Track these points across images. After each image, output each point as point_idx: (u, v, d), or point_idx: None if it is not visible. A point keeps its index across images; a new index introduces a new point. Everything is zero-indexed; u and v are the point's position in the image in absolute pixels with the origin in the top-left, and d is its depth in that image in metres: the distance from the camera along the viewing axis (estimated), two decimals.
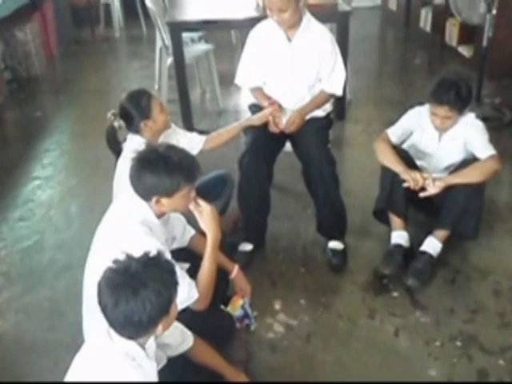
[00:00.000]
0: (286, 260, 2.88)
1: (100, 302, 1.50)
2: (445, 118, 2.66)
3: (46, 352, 2.37)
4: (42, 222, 3.31)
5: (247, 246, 2.90)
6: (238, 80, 3.04)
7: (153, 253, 1.59)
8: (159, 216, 2.06)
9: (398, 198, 2.75)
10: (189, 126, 4.30)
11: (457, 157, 2.80)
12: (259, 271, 2.79)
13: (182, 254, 2.37)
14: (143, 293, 1.46)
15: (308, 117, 2.91)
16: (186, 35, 4.91)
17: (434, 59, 5.86)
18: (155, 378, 1.62)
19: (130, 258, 1.54)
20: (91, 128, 4.36)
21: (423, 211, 3.01)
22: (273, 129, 2.82)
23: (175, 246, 2.36)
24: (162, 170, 1.94)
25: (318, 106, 2.95)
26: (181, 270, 2.06)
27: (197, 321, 2.06)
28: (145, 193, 1.98)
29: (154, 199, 1.98)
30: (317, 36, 2.80)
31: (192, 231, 2.40)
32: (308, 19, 2.78)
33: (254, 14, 4.04)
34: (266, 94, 2.96)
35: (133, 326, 1.50)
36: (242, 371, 2.12)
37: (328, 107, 3.05)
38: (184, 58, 4.12)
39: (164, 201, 1.99)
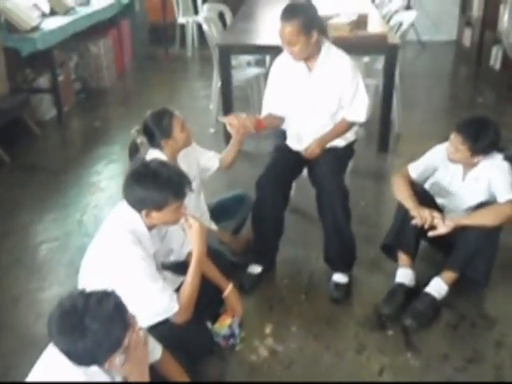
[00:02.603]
0: (289, 285, 2.88)
1: (49, 333, 1.55)
2: (455, 149, 2.61)
3: (43, 345, 2.48)
4: (72, 225, 3.50)
5: (256, 269, 2.92)
6: (263, 112, 3.03)
7: (108, 291, 1.58)
8: (150, 228, 2.14)
9: (407, 235, 2.70)
10: None
11: (480, 198, 2.71)
12: (259, 293, 2.81)
13: (179, 267, 2.45)
14: (81, 343, 1.48)
15: (328, 145, 2.92)
16: (242, 58, 5.07)
17: (500, 99, 5.68)
18: None
19: (79, 298, 1.53)
20: None
21: (437, 249, 2.93)
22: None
23: (173, 258, 2.44)
24: (150, 185, 2.03)
25: (339, 135, 2.95)
26: (163, 282, 2.12)
27: (174, 333, 2.12)
28: (135, 205, 2.08)
29: (144, 212, 2.07)
30: (337, 64, 2.81)
31: (190, 246, 2.47)
32: (327, 48, 2.79)
33: None
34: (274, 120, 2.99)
35: (77, 363, 1.54)
36: None
37: (350, 136, 3.03)
38: (231, 80, 4.24)
39: (154, 214, 2.08)
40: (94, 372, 1.60)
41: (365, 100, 2.89)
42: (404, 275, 2.70)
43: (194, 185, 2.69)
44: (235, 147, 2.89)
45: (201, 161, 2.85)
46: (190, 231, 2.18)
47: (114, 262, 2.04)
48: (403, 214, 2.68)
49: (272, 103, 2.99)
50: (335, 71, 2.81)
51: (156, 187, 2.03)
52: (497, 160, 2.66)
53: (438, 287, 2.63)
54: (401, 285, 2.68)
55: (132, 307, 1.64)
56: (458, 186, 2.77)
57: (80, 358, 1.53)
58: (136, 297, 1.96)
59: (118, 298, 1.59)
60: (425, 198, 2.74)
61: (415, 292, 2.68)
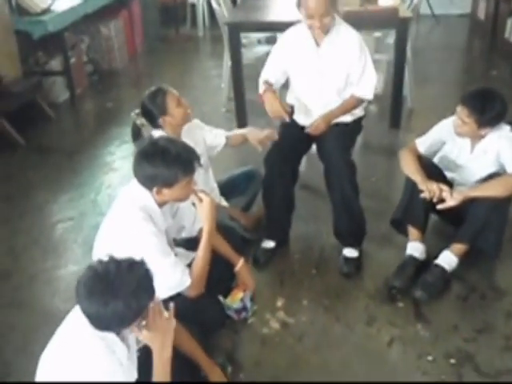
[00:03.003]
0: (300, 260, 2.91)
1: (76, 297, 1.60)
2: (462, 122, 2.60)
3: (59, 320, 2.55)
4: (86, 205, 3.56)
5: (269, 244, 2.95)
6: (263, 75, 3.02)
7: (136, 259, 1.65)
8: (161, 205, 2.17)
9: (416, 209, 2.71)
10: (242, 123, 4.42)
11: (489, 170, 2.70)
12: (271, 268, 2.85)
13: (190, 243, 2.49)
14: (112, 304, 1.54)
15: (335, 121, 2.92)
16: (253, 36, 5.06)
17: None
18: (126, 362, 1.69)
19: (110, 263, 1.60)
20: None
21: (447, 222, 2.94)
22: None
23: (184, 235, 2.47)
24: (159, 163, 2.05)
25: (347, 111, 2.94)
26: (175, 257, 2.17)
27: (187, 307, 2.15)
28: (145, 183, 2.11)
29: (154, 189, 2.10)
30: (345, 40, 2.80)
31: (201, 222, 2.51)
32: (339, 23, 2.79)
33: None
34: (273, 93, 2.91)
35: (102, 327, 1.60)
36: (224, 361, 2.22)
37: (358, 112, 3.03)
38: (241, 59, 4.24)
39: (165, 191, 2.10)
40: (113, 340, 1.66)
41: (373, 77, 2.89)
42: (414, 248, 2.71)
43: (202, 161, 2.73)
44: (244, 139, 2.94)
45: (207, 139, 2.88)
46: (199, 206, 2.21)
47: (127, 239, 2.07)
48: (411, 188, 2.69)
49: (270, 70, 2.98)
50: (343, 47, 2.80)
51: (165, 164, 2.05)
52: (504, 131, 2.65)
53: (448, 259, 2.64)
54: (411, 257, 2.70)
55: None
56: (466, 158, 2.76)
57: (107, 321, 1.57)
58: None
59: (146, 265, 1.65)
60: (433, 172, 2.74)
61: (426, 265, 2.69)
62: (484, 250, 2.65)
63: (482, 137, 2.67)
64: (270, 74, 2.96)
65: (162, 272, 2.08)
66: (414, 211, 2.71)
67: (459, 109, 2.61)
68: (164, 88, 2.59)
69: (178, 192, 2.13)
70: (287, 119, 2.84)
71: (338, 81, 2.87)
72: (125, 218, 2.11)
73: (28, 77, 4.66)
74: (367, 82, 2.88)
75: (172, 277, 2.12)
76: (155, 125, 2.58)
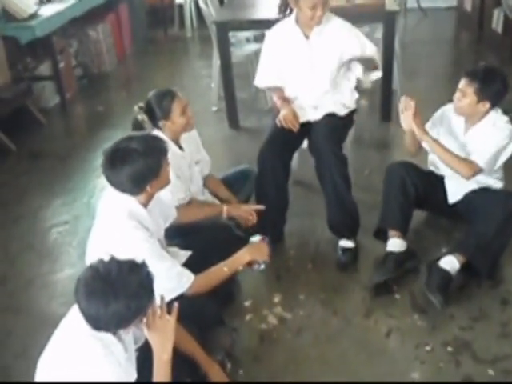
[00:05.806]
0: (296, 256, 2.92)
1: (75, 296, 1.61)
2: (462, 95, 2.62)
3: (56, 324, 2.55)
4: (80, 208, 3.55)
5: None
6: (256, 81, 3.11)
7: (137, 261, 1.66)
8: (145, 204, 2.15)
9: (392, 212, 2.76)
10: (234, 122, 4.43)
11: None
12: (267, 264, 2.82)
13: (186, 241, 2.50)
14: (113, 305, 1.55)
15: (328, 111, 2.95)
16: (241, 35, 5.05)
17: (503, 62, 5.61)
18: (124, 362, 1.70)
19: (112, 263, 1.61)
20: None
21: (440, 215, 2.97)
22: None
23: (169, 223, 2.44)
24: (139, 157, 2.01)
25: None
26: (172, 260, 2.16)
27: (183, 305, 2.15)
28: (136, 186, 2.07)
29: (147, 187, 2.08)
30: (332, 27, 2.86)
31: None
32: (326, 15, 2.83)
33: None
34: (282, 94, 3.01)
35: (100, 327, 1.62)
36: (223, 358, 2.21)
37: (351, 105, 3.05)
38: (230, 57, 4.24)
39: (154, 183, 2.10)
40: (110, 341, 1.67)
41: (372, 44, 2.98)
42: (394, 245, 2.70)
43: (198, 168, 2.73)
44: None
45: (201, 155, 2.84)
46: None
47: (121, 250, 2.00)
48: (387, 193, 2.79)
49: (268, 74, 3.03)
50: (332, 33, 2.86)
51: (145, 155, 2.02)
52: (501, 121, 2.65)
53: (451, 264, 2.57)
54: (390, 253, 2.68)
55: None
56: (461, 141, 2.75)
57: (107, 321, 1.59)
58: None
59: (147, 267, 1.67)
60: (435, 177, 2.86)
61: (410, 254, 2.72)
62: (478, 271, 2.59)
63: (479, 118, 2.66)
64: (270, 78, 3.03)
65: (160, 277, 2.06)
66: (389, 215, 2.76)
67: (462, 81, 2.63)
68: (173, 92, 2.54)
69: (163, 176, 2.13)
70: (295, 130, 2.86)
71: (331, 70, 2.91)
72: (115, 230, 2.08)
73: (17, 82, 4.64)
74: (368, 45, 2.97)
75: (170, 280, 2.12)
76: (155, 125, 2.56)
